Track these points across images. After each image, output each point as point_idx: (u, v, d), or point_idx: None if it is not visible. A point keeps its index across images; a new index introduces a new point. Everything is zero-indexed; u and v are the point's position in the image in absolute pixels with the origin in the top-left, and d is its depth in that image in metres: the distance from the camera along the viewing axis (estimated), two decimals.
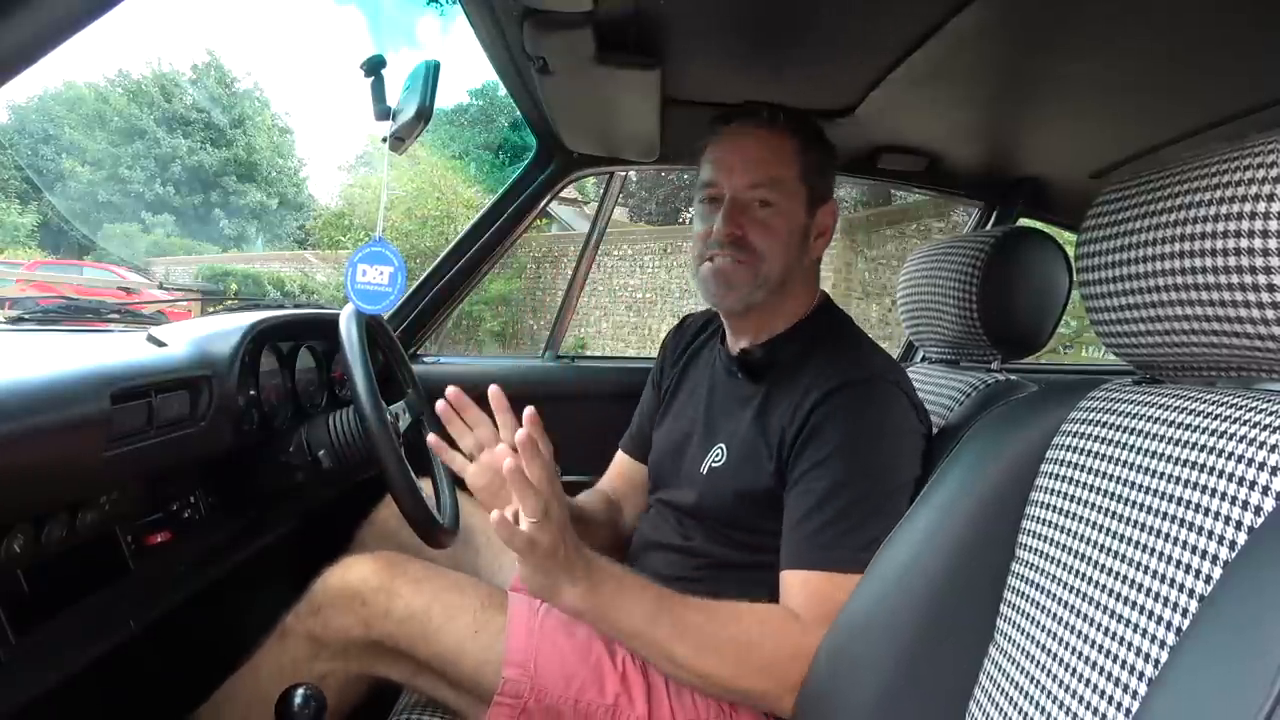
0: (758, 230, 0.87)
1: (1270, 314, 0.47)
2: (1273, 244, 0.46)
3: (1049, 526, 0.60)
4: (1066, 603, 0.56)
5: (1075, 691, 0.52)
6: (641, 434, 1.11)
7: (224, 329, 0.96)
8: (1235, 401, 0.51)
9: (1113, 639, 0.51)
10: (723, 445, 0.92)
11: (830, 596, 0.77)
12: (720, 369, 0.98)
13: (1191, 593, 0.47)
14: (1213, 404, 0.52)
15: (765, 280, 0.88)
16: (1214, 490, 0.48)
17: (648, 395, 1.13)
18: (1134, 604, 0.50)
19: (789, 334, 0.92)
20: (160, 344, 0.87)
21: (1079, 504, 0.58)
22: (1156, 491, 0.51)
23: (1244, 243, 0.48)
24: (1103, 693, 0.50)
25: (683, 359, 1.08)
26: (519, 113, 1.28)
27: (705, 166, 0.92)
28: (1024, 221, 1.48)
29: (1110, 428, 0.58)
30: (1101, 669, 0.51)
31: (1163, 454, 0.52)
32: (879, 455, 0.80)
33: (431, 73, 0.83)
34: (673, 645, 0.74)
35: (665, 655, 0.75)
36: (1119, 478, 0.55)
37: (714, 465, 0.92)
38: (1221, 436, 0.49)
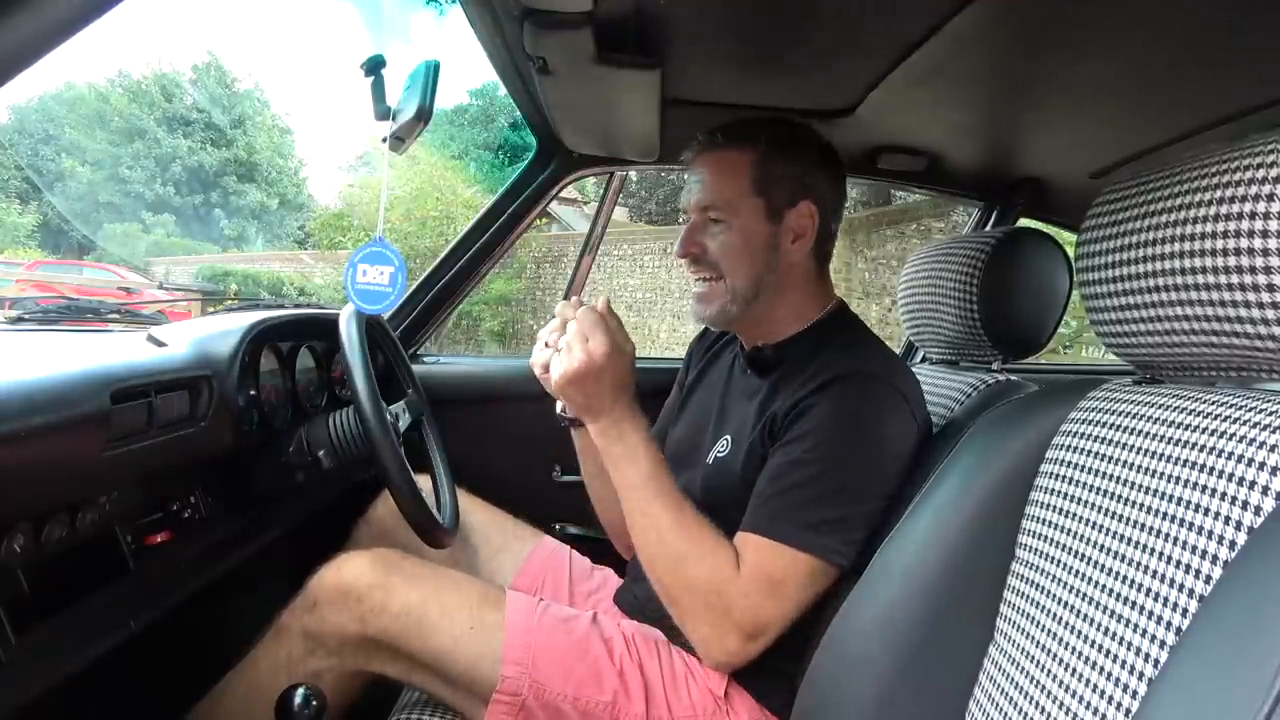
0: (715, 248, 0.91)
1: (1270, 314, 0.47)
2: (1273, 244, 0.46)
3: (1049, 526, 0.60)
4: (1066, 602, 0.56)
5: (1075, 691, 0.52)
6: (662, 434, 1.12)
7: (224, 329, 0.96)
8: (1235, 401, 0.51)
9: (1113, 639, 0.51)
10: (729, 436, 0.93)
11: (765, 563, 0.79)
12: (737, 367, 1.00)
13: (1191, 593, 0.47)
14: (1212, 404, 0.52)
15: (734, 294, 0.91)
16: (1214, 490, 0.48)
17: (673, 396, 1.17)
18: (1134, 604, 0.50)
19: (801, 335, 0.93)
20: (160, 344, 0.87)
21: (1079, 504, 0.58)
22: (1156, 491, 0.51)
23: (1244, 243, 0.48)
24: (1102, 692, 0.50)
25: (704, 360, 1.11)
26: (519, 113, 1.28)
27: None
28: (1024, 221, 1.48)
29: (1110, 428, 0.58)
30: (1101, 669, 0.51)
31: (1162, 454, 0.52)
32: (852, 444, 0.81)
33: (431, 73, 0.83)
34: (636, 519, 0.84)
35: (632, 523, 0.85)
36: (1119, 478, 0.55)
37: (719, 454, 0.93)
38: (1221, 436, 0.49)
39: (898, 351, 1.72)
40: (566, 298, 1.56)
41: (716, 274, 0.91)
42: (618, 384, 0.84)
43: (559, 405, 0.91)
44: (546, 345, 0.86)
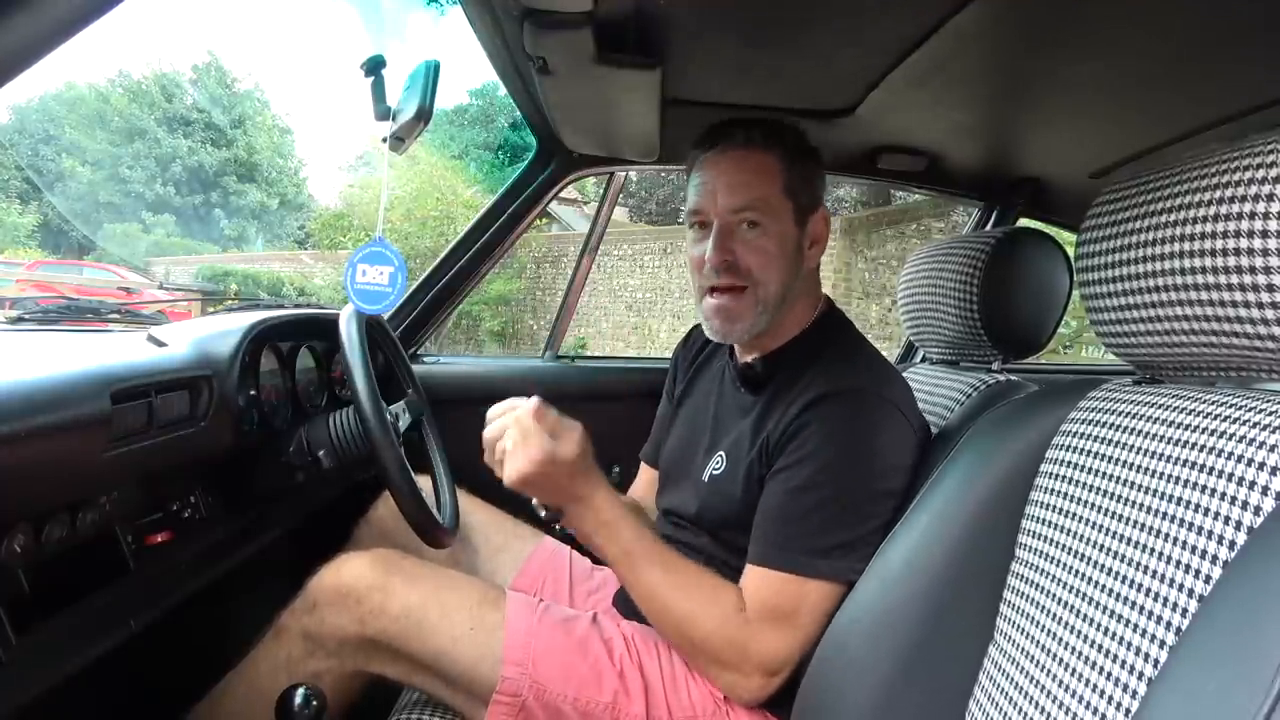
0: (749, 253, 0.86)
1: (1270, 314, 0.47)
2: (1273, 244, 0.46)
3: (1049, 526, 0.60)
4: (1066, 602, 0.56)
5: (1075, 691, 0.52)
6: (658, 445, 1.12)
7: (224, 329, 0.96)
8: (1235, 401, 0.51)
9: (1112, 639, 0.51)
10: (723, 454, 0.92)
11: (776, 597, 0.79)
12: (728, 379, 0.99)
13: (1191, 593, 0.47)
14: (1212, 404, 0.52)
15: (766, 304, 0.88)
16: (1213, 490, 0.48)
17: (663, 406, 1.15)
18: (1134, 604, 0.50)
19: (791, 345, 0.92)
20: (160, 344, 0.87)
21: (1079, 504, 0.58)
22: (1156, 491, 0.51)
23: (1244, 243, 0.48)
24: (1102, 692, 0.50)
25: (692, 368, 1.09)
26: (519, 113, 1.28)
27: (690, 192, 0.91)
28: (1024, 221, 1.48)
29: (1110, 428, 0.58)
30: (1101, 669, 0.51)
31: (1162, 454, 0.52)
32: (853, 464, 0.80)
33: (431, 73, 0.83)
34: (632, 590, 0.84)
35: (631, 594, 0.85)
36: (1119, 478, 0.55)
37: (714, 473, 0.92)
38: (1221, 436, 0.49)
39: (898, 351, 1.72)
40: (566, 298, 1.59)
41: (745, 283, 0.87)
42: (568, 474, 0.81)
43: (534, 501, 0.89)
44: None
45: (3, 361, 0.64)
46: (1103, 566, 0.54)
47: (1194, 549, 0.47)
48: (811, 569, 0.78)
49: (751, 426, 0.89)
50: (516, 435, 0.80)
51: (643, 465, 1.17)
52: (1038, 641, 0.57)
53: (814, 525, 0.79)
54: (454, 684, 0.83)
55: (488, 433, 0.84)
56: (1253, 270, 0.47)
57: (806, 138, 0.92)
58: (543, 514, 0.89)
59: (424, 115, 0.83)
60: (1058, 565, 0.58)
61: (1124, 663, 0.49)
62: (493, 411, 0.85)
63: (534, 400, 0.82)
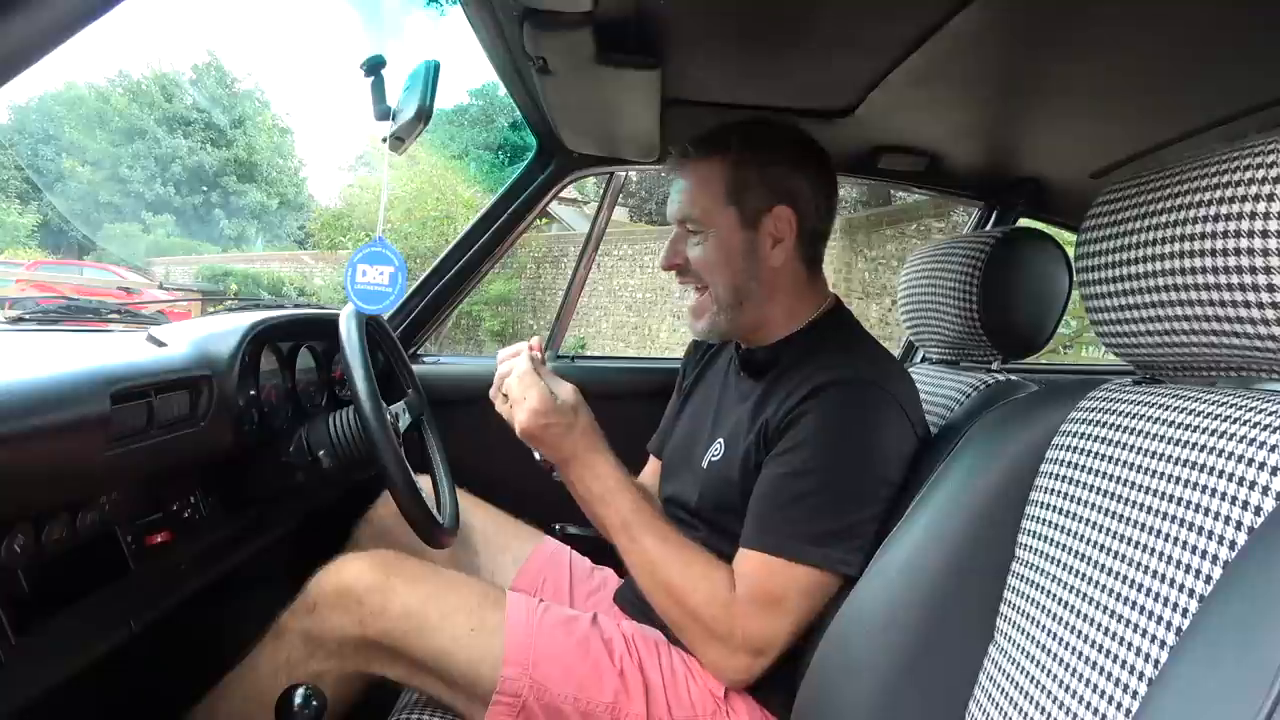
0: (694, 258, 0.92)
1: (1270, 314, 0.47)
2: (1273, 244, 0.46)
3: (1049, 526, 0.60)
4: (1067, 602, 0.56)
5: (1075, 691, 0.52)
6: (663, 438, 1.13)
7: (224, 329, 0.96)
8: (1235, 401, 0.51)
9: (1113, 639, 0.51)
10: (722, 440, 0.93)
11: (765, 580, 0.79)
12: (732, 370, 1.00)
13: (1191, 593, 0.47)
14: (1213, 404, 0.52)
15: (720, 303, 0.92)
16: (1214, 490, 0.48)
17: (672, 403, 1.16)
18: (1134, 604, 0.50)
19: (795, 338, 0.93)
20: (160, 344, 0.87)
21: (1079, 504, 0.58)
22: (1156, 491, 0.51)
23: (1244, 243, 0.48)
24: (1103, 692, 0.50)
25: (700, 364, 1.11)
26: (519, 113, 1.28)
27: None
28: (1024, 221, 1.48)
29: (1110, 428, 0.58)
30: (1101, 669, 0.51)
31: (1162, 454, 0.52)
32: (848, 454, 0.81)
33: (431, 73, 0.83)
34: (627, 557, 0.87)
35: (625, 560, 0.88)
36: (1119, 478, 0.55)
37: (713, 459, 0.93)
38: (1221, 436, 0.49)
39: (898, 351, 1.72)
40: (566, 298, 1.58)
41: (700, 284, 0.92)
42: (569, 428, 0.86)
43: (536, 453, 0.92)
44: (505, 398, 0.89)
45: (3, 361, 0.64)
46: (1103, 566, 0.54)
47: (1194, 549, 0.47)
48: (802, 554, 0.78)
49: (750, 412, 0.90)
50: (517, 390, 0.85)
51: (651, 458, 1.18)
52: (1038, 641, 0.57)
53: (806, 511, 0.79)
54: (454, 685, 0.83)
55: (495, 379, 0.90)
56: (1253, 270, 0.47)
57: (773, 134, 0.92)
58: (538, 456, 0.93)
59: (424, 115, 0.83)
60: (1058, 565, 0.58)
61: (1124, 663, 0.49)
62: (502, 354, 0.91)
63: (535, 340, 0.90)
